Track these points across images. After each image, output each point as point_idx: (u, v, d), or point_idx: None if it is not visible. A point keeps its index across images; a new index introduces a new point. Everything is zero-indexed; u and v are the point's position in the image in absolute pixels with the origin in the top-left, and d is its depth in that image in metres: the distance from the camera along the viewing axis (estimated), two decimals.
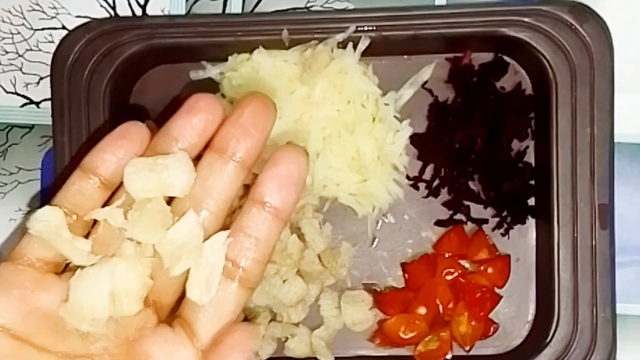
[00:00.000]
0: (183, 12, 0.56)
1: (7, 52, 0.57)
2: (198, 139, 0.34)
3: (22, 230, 0.34)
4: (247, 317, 0.54)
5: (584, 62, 0.51)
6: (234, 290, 0.33)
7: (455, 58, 0.55)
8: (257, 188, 0.33)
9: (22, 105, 0.57)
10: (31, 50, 0.57)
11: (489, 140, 0.54)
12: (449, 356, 0.54)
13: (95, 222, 0.34)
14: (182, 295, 0.34)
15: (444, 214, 0.55)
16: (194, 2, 0.56)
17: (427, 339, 0.53)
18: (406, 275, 0.55)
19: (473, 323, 0.53)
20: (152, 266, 0.33)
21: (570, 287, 0.51)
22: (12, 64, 0.57)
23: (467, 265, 0.55)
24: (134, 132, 0.34)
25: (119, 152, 0.33)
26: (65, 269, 0.34)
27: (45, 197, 0.57)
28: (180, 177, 0.33)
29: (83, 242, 0.33)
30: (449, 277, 0.54)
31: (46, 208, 0.33)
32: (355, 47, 0.53)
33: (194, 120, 0.34)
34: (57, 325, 0.32)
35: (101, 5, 0.57)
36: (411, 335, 0.53)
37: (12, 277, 0.32)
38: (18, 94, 0.57)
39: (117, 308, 0.32)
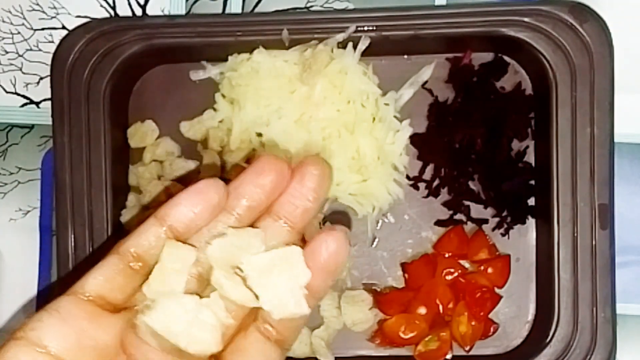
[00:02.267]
0: (183, 12, 0.56)
1: (7, 52, 0.57)
2: (265, 199, 0.35)
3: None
4: None
5: (584, 62, 0.51)
6: (270, 348, 0.35)
7: (455, 58, 0.55)
8: None
9: (22, 105, 0.57)
10: (31, 50, 0.57)
11: (489, 140, 0.54)
12: (449, 356, 0.54)
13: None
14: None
15: (444, 214, 0.55)
16: (194, 2, 0.56)
17: (427, 339, 0.53)
18: (406, 275, 0.55)
19: (473, 323, 0.53)
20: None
21: (570, 287, 0.51)
22: (12, 64, 0.57)
23: (467, 265, 0.55)
24: (213, 191, 0.34)
25: (197, 208, 0.34)
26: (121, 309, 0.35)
27: (45, 209, 0.57)
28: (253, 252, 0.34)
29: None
30: (449, 277, 0.54)
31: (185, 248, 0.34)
32: (355, 47, 0.53)
33: (263, 182, 0.35)
34: None
35: (101, 5, 0.57)
36: (411, 335, 0.53)
37: (73, 310, 0.33)
38: (18, 94, 0.57)
39: (199, 340, 0.33)
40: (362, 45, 0.53)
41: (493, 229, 0.55)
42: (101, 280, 0.34)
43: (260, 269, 0.34)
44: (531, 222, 0.55)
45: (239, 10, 0.56)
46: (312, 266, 0.34)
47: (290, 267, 0.34)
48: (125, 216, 0.54)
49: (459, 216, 0.55)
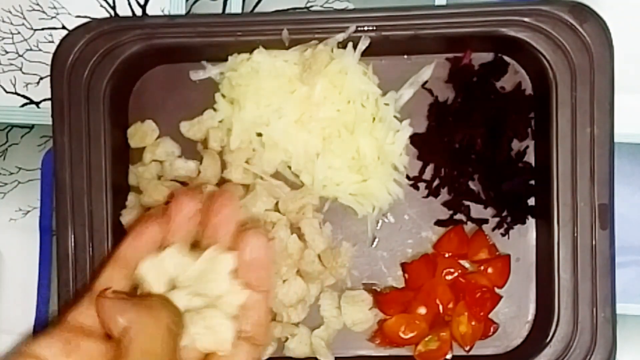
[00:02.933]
0: (183, 12, 0.56)
1: (7, 52, 0.57)
2: (193, 230, 0.41)
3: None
4: None
5: (584, 62, 0.51)
6: (244, 346, 0.40)
7: (455, 58, 0.55)
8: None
9: (22, 105, 0.57)
10: (31, 50, 0.57)
11: (489, 140, 0.54)
12: (449, 356, 0.54)
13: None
14: None
15: (444, 214, 0.55)
16: (194, 2, 0.56)
17: (427, 339, 0.53)
18: (406, 275, 0.55)
19: (473, 323, 0.53)
20: None
21: (570, 287, 0.51)
22: (12, 64, 0.57)
23: (467, 265, 0.55)
24: (155, 230, 0.40)
25: (143, 251, 0.40)
26: None
27: (45, 220, 0.57)
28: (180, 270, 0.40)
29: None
30: (449, 277, 0.54)
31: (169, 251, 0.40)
32: (355, 47, 0.53)
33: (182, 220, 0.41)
34: None
35: (101, 5, 0.57)
36: (411, 335, 0.53)
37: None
38: (18, 94, 0.57)
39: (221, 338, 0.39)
40: (362, 45, 0.53)
41: (493, 229, 0.55)
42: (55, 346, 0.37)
43: (193, 279, 0.39)
44: (531, 222, 0.55)
45: (239, 10, 0.56)
46: (243, 263, 0.39)
47: (215, 262, 0.39)
48: (125, 216, 0.54)
49: (459, 216, 0.55)
